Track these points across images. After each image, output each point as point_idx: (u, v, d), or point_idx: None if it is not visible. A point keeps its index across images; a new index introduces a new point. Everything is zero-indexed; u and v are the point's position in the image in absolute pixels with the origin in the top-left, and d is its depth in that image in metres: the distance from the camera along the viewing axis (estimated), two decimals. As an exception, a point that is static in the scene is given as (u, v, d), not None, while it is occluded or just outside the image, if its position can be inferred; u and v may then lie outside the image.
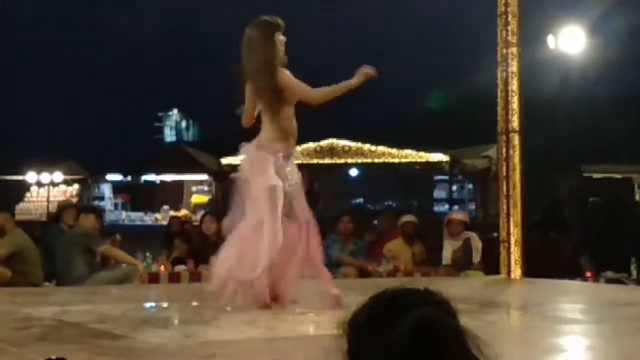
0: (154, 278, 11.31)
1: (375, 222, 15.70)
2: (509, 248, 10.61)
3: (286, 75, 7.44)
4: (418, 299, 2.00)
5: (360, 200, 41.88)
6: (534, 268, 10.84)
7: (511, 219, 10.61)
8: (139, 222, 39.11)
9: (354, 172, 33.52)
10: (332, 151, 30.38)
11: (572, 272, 12.56)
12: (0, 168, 35.10)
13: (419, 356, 1.91)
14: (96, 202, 35.84)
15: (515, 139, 10.65)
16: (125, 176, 38.52)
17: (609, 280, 12.46)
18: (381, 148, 31.39)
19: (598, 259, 13.56)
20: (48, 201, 30.72)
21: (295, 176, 7.67)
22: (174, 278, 11.51)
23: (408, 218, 13.02)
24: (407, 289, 2.06)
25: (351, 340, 2.03)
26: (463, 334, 1.97)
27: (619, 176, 27.87)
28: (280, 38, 7.49)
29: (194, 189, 39.28)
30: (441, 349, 1.91)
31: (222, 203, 29.79)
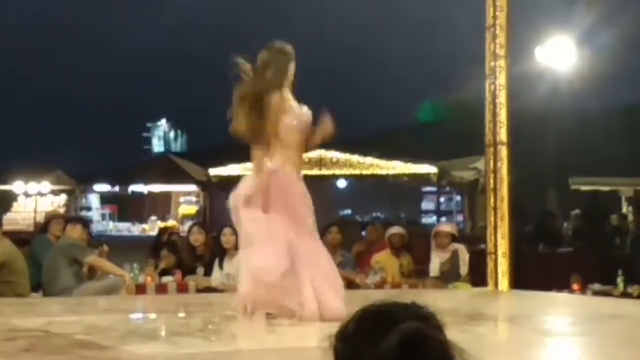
0: (141, 289, 11.28)
1: (364, 233, 15.71)
2: (496, 260, 10.61)
3: (275, 106, 7.54)
4: (405, 312, 2.01)
5: (348, 211, 41.90)
6: (522, 280, 10.85)
7: (499, 231, 10.61)
8: (126, 233, 39.07)
9: (342, 183, 33.53)
10: (320, 162, 30.35)
11: (560, 284, 12.58)
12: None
13: None
14: (84, 213, 35.76)
15: (503, 151, 10.65)
16: (112, 186, 38.45)
17: (596, 293, 12.49)
18: (369, 159, 31.39)
19: (585, 271, 13.58)
20: (35, 211, 30.63)
21: None
22: (161, 289, 11.48)
23: (396, 230, 13.02)
24: (394, 302, 2.06)
25: (338, 353, 2.03)
26: (450, 348, 1.97)
27: (606, 189, 27.94)
28: (292, 66, 7.71)
29: (181, 199, 39.24)
30: None
31: (209, 214, 29.79)
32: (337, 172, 31.18)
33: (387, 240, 12.83)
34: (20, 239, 13.51)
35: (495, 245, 10.62)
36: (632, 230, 18.47)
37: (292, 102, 7.67)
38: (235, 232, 11.76)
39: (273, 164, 7.57)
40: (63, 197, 34.70)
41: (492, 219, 10.70)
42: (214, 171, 31.25)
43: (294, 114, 7.61)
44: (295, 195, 7.63)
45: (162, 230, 16.21)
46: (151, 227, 36.15)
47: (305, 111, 7.70)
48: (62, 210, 29.41)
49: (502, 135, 10.65)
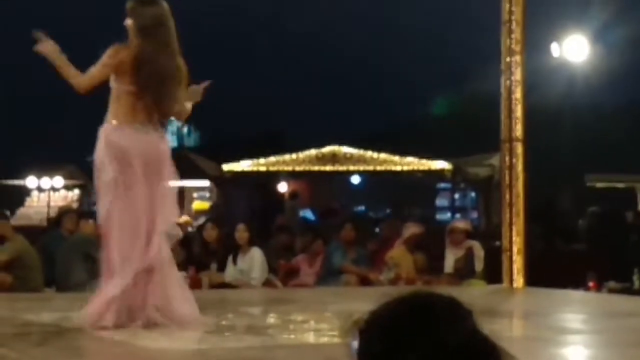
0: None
1: (377, 229, 15.64)
2: (511, 257, 10.55)
3: None
4: (450, 320, 1.92)
5: (362, 207, 41.85)
6: (537, 277, 10.79)
7: (514, 228, 10.55)
8: (139, 228, 38.98)
9: (355, 179, 33.48)
10: (334, 158, 30.31)
11: (576, 281, 12.52)
12: (0, 172, 35.00)
13: None
14: (97, 208, 35.71)
15: (519, 148, 10.59)
16: (126, 182, 38.42)
17: (611, 290, 12.42)
18: (383, 155, 31.36)
19: (600, 268, 13.52)
20: (49, 206, 30.66)
21: None
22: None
23: (415, 229, 12.81)
24: (438, 301, 1.96)
25: (365, 346, 1.91)
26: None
27: (621, 185, 27.84)
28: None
29: (195, 195, 39.29)
30: None
31: (223, 209, 29.82)
32: (351, 167, 31.14)
33: (404, 240, 12.65)
34: (33, 234, 13.53)
35: (510, 242, 10.56)
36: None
37: None
38: (248, 229, 11.78)
39: None
40: (76, 192, 34.74)
41: (507, 215, 10.64)
42: (227, 166, 31.28)
43: None
44: None
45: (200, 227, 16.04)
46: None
47: None
48: (75, 205, 29.43)
49: (518, 131, 10.58)
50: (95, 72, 6.76)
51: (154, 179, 6.79)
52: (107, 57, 6.73)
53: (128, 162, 6.67)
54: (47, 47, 6.85)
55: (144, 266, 6.57)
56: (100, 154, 6.77)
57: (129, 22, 6.85)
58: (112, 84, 6.79)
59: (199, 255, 12.19)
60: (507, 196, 10.64)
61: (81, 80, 6.79)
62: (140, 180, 6.69)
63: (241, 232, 11.60)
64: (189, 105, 7.20)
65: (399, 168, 31.37)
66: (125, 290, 6.50)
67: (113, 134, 6.72)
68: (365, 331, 1.92)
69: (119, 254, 6.61)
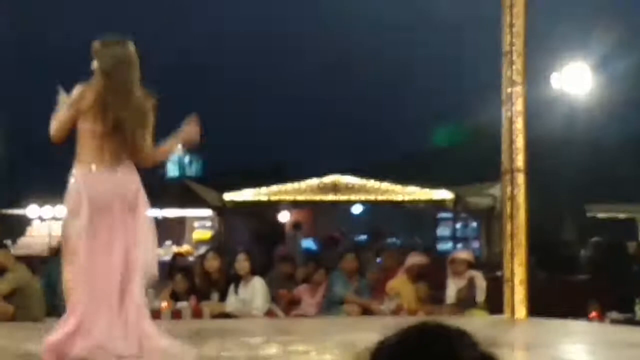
0: (155, 314, 11.21)
1: (379, 259, 15.62)
2: (513, 287, 10.53)
3: None
4: (459, 342, 1.93)
5: (364, 236, 41.79)
6: (539, 307, 10.76)
7: (515, 258, 10.54)
8: (141, 257, 38.81)
9: (357, 209, 33.42)
10: (335, 188, 30.27)
11: (578, 312, 12.49)
12: (1, 201, 34.96)
13: None
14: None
15: (520, 178, 10.60)
16: (127, 211, 38.30)
17: (614, 321, 12.39)
18: (385, 185, 31.32)
19: (603, 299, 13.49)
20: (50, 236, 30.61)
21: None
22: (176, 315, 11.43)
23: (417, 259, 12.78)
24: (443, 329, 1.96)
25: None
26: None
27: (623, 216, 27.82)
28: None
29: (196, 224, 39.23)
30: None
31: (224, 239, 29.77)
32: (353, 197, 31.09)
33: (406, 269, 12.64)
34: (34, 263, 13.52)
35: (512, 273, 10.54)
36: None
37: None
38: (249, 258, 11.77)
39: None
40: (78, 221, 34.65)
41: (508, 246, 10.63)
42: (228, 196, 31.23)
43: None
44: None
45: (201, 256, 16.05)
46: (166, 252, 36.07)
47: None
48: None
49: (519, 162, 10.59)
50: (61, 115, 6.67)
51: (129, 219, 6.73)
52: (73, 99, 6.63)
53: (101, 206, 6.61)
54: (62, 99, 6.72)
55: (120, 310, 6.54)
56: (72, 200, 6.70)
57: (94, 63, 6.78)
58: (78, 124, 6.68)
59: (200, 285, 12.16)
60: (509, 226, 10.63)
61: (52, 128, 6.71)
62: (114, 223, 6.65)
63: (242, 262, 11.59)
64: (174, 147, 7.19)
65: (400, 198, 31.33)
66: (103, 330, 6.48)
67: (84, 179, 6.65)
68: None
69: (91, 300, 6.60)
